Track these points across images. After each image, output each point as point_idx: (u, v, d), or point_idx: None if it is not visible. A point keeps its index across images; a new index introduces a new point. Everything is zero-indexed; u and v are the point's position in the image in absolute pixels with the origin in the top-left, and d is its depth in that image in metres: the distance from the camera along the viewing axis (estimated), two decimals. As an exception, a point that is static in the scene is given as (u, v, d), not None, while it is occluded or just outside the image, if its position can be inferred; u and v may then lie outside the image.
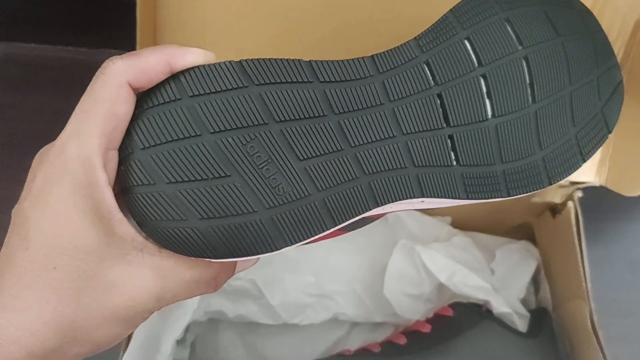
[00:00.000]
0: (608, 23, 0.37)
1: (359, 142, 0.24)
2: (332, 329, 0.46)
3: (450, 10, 0.26)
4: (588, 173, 0.40)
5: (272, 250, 0.23)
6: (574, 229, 0.40)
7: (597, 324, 0.37)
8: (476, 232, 0.49)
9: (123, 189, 0.23)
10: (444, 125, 0.25)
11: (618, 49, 0.38)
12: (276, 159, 0.23)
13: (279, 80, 0.23)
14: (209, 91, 0.23)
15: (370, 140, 0.24)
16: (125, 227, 0.22)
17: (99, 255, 0.21)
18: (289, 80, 0.23)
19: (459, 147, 0.25)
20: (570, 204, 0.41)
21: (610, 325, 0.38)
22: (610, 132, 0.28)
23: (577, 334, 0.39)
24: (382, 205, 0.25)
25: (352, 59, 0.25)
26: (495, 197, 0.26)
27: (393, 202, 0.25)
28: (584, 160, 0.27)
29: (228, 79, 0.23)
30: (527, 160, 0.26)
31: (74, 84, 0.54)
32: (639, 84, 0.38)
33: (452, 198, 0.26)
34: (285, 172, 0.23)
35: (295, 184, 0.23)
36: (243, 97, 0.23)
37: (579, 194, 0.41)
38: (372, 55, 0.25)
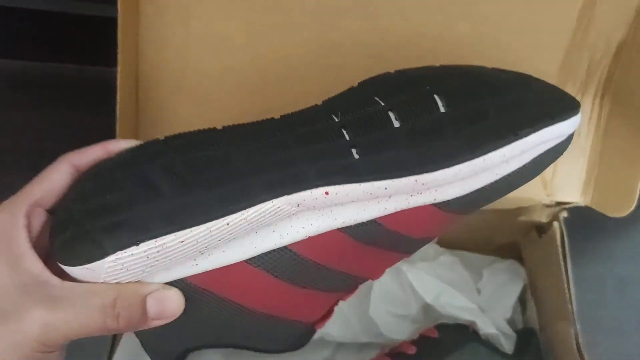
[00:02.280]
0: (592, 43, 0.38)
1: None
2: (317, 349, 0.46)
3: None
4: (574, 193, 0.40)
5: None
6: (560, 249, 0.40)
7: (583, 345, 0.37)
8: (463, 251, 0.48)
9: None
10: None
11: (602, 69, 0.38)
12: None
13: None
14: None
15: None
16: (33, 262, 0.23)
17: (6, 289, 0.22)
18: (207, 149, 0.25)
19: None
20: (555, 224, 0.40)
21: (598, 345, 0.37)
22: None
23: (563, 356, 0.39)
24: None
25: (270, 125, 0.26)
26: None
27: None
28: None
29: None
30: None
31: (57, 100, 0.54)
32: (623, 104, 0.38)
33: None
34: None
35: None
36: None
37: (565, 214, 0.40)
38: (283, 117, 0.26)
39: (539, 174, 0.29)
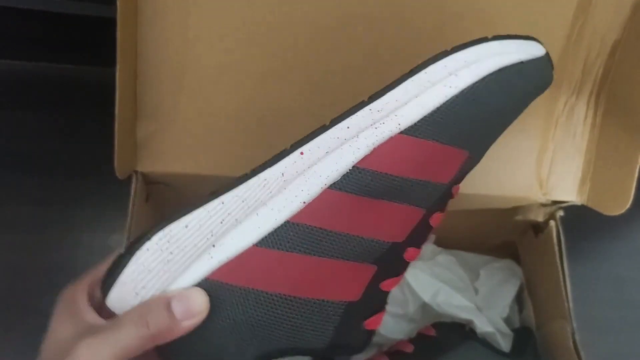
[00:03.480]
0: (587, 44, 0.38)
1: None
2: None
3: None
4: (570, 192, 0.40)
5: None
6: (556, 248, 0.40)
7: (579, 343, 0.37)
8: (460, 251, 0.49)
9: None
10: None
11: (597, 69, 0.39)
12: None
13: None
14: None
15: None
16: (89, 314, 0.26)
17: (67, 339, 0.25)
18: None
19: None
20: (552, 223, 0.41)
21: (595, 344, 0.37)
22: None
23: (559, 354, 0.39)
24: None
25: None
26: None
27: None
28: None
29: None
30: None
31: (57, 101, 0.54)
32: (619, 103, 0.38)
33: None
34: None
35: None
36: None
37: (561, 213, 0.41)
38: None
39: (517, 100, 0.29)
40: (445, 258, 0.47)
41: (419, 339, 0.41)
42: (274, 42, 0.37)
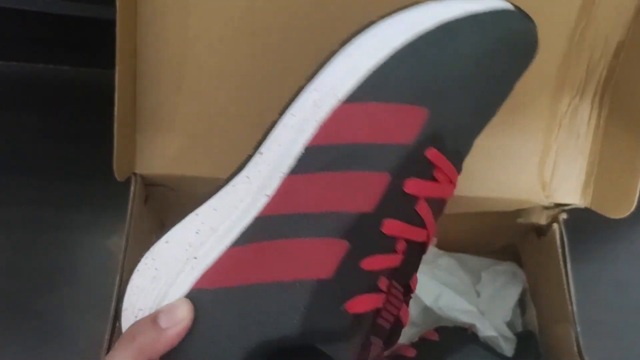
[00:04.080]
0: (590, 45, 0.38)
1: None
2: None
3: None
4: (573, 195, 0.40)
5: None
6: (560, 251, 0.39)
7: (583, 348, 0.37)
8: (462, 254, 0.48)
9: None
10: None
11: (601, 70, 0.38)
12: None
13: None
14: None
15: None
16: None
17: None
18: None
19: None
20: (555, 226, 0.40)
21: (598, 348, 0.37)
22: None
23: (563, 359, 0.38)
24: None
25: None
26: None
27: None
28: None
29: None
30: None
31: (56, 103, 0.54)
32: (623, 104, 0.38)
33: None
34: None
35: None
36: None
37: (564, 215, 0.40)
38: None
39: (478, 56, 0.27)
40: (447, 261, 0.46)
41: (421, 343, 0.41)
42: (274, 43, 0.37)
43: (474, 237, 0.47)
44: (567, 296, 0.38)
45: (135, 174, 0.38)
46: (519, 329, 0.45)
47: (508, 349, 0.41)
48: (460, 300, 0.43)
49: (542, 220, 0.42)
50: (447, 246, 0.48)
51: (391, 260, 0.26)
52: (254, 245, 0.26)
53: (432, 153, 0.26)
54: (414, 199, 0.26)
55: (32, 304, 0.46)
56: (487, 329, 0.41)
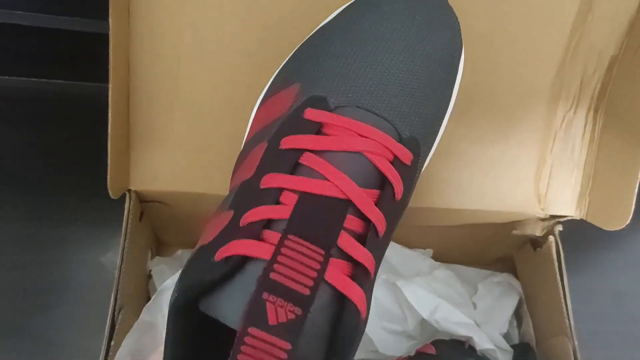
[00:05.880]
0: (584, 58, 0.38)
1: None
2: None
3: None
4: (568, 207, 0.40)
5: None
6: (555, 263, 0.39)
7: (580, 360, 0.37)
8: (458, 265, 0.48)
9: None
10: None
11: (595, 83, 0.38)
12: None
13: None
14: None
15: None
16: None
17: None
18: None
19: None
20: (550, 238, 0.40)
21: (594, 359, 0.37)
22: None
23: (561, 372, 0.38)
24: None
25: None
26: None
27: None
28: None
29: None
30: None
31: (47, 117, 0.54)
32: (617, 117, 0.38)
33: None
34: None
35: None
36: None
37: (560, 227, 0.40)
38: None
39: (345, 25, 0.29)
40: (443, 273, 0.46)
41: (418, 357, 0.40)
42: (268, 59, 0.36)
43: (470, 249, 0.47)
44: (564, 309, 0.38)
45: (129, 190, 0.38)
46: (516, 340, 0.45)
47: (505, 361, 0.41)
48: (457, 312, 0.42)
49: (538, 232, 0.42)
50: (444, 258, 0.48)
51: (273, 212, 0.24)
52: None
53: (310, 112, 0.26)
54: (294, 152, 0.25)
55: (26, 321, 0.45)
56: (484, 342, 0.41)
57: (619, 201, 0.37)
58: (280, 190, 0.24)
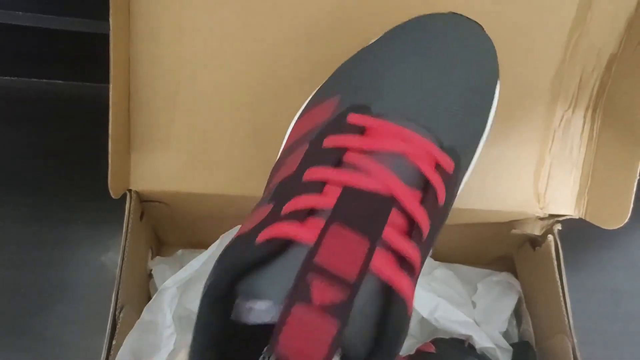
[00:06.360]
0: (583, 57, 0.38)
1: None
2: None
3: None
4: (567, 206, 0.40)
5: None
6: (555, 262, 0.39)
7: (580, 358, 0.37)
8: (458, 264, 0.48)
9: None
10: None
11: (594, 82, 0.39)
12: None
13: None
14: None
15: None
16: None
17: None
18: None
19: None
20: (550, 237, 0.40)
21: (593, 358, 0.37)
22: None
23: (560, 370, 0.38)
24: None
25: None
26: None
27: None
28: None
29: None
30: None
31: (47, 117, 0.54)
32: (616, 116, 0.38)
33: None
34: None
35: None
36: None
37: (558, 226, 0.40)
38: None
39: None
40: (443, 272, 0.46)
41: (418, 355, 0.41)
42: (269, 59, 0.37)
43: (469, 248, 0.47)
44: (563, 307, 0.38)
45: (130, 190, 0.38)
46: (515, 339, 0.45)
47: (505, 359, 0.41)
48: (457, 311, 0.42)
49: (537, 231, 0.42)
50: (443, 257, 0.48)
51: (317, 200, 0.23)
52: None
53: (353, 117, 0.27)
54: (338, 150, 0.25)
55: (27, 321, 0.45)
56: (483, 340, 0.41)
57: (618, 200, 0.37)
58: (324, 183, 0.24)
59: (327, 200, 0.23)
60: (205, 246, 0.43)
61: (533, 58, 0.38)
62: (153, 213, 0.42)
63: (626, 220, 0.37)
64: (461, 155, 0.28)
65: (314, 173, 0.24)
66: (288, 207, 0.23)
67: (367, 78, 0.29)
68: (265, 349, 0.20)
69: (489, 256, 0.49)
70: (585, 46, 0.37)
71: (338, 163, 0.25)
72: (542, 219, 0.41)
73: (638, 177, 0.36)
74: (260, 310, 0.21)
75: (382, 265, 0.22)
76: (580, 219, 0.40)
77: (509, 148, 0.39)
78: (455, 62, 0.29)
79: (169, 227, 0.46)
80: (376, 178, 0.24)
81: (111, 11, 0.32)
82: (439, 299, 0.43)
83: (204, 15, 0.36)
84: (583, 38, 0.37)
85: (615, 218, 0.37)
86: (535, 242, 0.43)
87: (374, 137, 0.26)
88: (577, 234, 0.41)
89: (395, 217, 0.24)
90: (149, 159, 0.38)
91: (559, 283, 0.39)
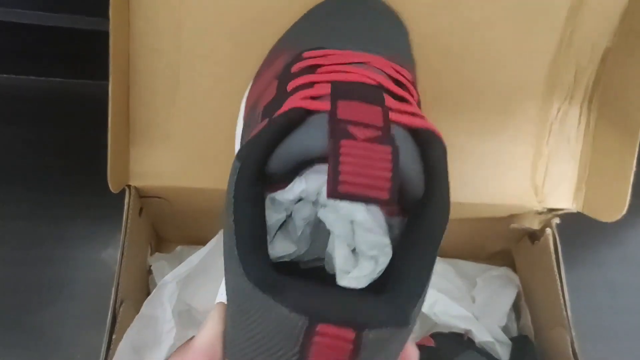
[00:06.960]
0: (578, 50, 0.38)
1: None
2: None
3: None
4: (565, 200, 0.40)
5: None
6: (553, 256, 0.40)
7: (578, 351, 0.37)
8: (457, 259, 0.48)
9: None
10: None
11: (589, 75, 0.39)
12: None
13: None
14: None
15: None
16: None
17: None
18: None
19: None
20: (548, 231, 0.41)
21: (591, 351, 0.37)
22: None
23: (559, 363, 0.39)
24: None
25: None
26: None
27: None
28: None
29: None
30: None
31: (46, 115, 0.54)
32: (611, 108, 0.39)
33: None
34: None
35: None
36: None
37: (557, 220, 0.41)
38: None
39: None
40: (442, 267, 0.47)
41: (418, 349, 0.41)
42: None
43: (468, 243, 0.47)
44: (562, 301, 0.38)
45: (129, 186, 0.38)
46: (514, 333, 0.46)
47: (504, 353, 0.42)
48: (456, 306, 0.43)
49: (535, 225, 0.42)
50: (442, 252, 0.47)
51: (310, 93, 0.24)
52: None
53: (309, 53, 0.28)
54: (310, 68, 0.27)
55: (28, 318, 0.45)
56: (483, 334, 0.41)
57: (615, 193, 0.37)
58: (312, 83, 0.25)
59: (321, 91, 0.24)
60: (204, 242, 0.43)
61: (529, 51, 0.38)
62: (152, 209, 0.42)
63: (623, 212, 0.37)
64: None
65: (298, 82, 0.25)
66: (285, 106, 0.23)
67: (308, 34, 0.31)
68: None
69: (487, 251, 0.49)
70: (580, 39, 0.38)
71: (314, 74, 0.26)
72: (540, 212, 0.41)
73: (634, 169, 0.36)
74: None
75: (399, 117, 0.23)
76: (578, 214, 0.40)
77: (506, 142, 0.40)
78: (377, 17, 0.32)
79: (168, 223, 0.46)
80: (358, 74, 0.25)
81: (111, 7, 0.32)
82: (439, 294, 0.43)
83: (203, 10, 0.36)
84: (577, 32, 0.37)
85: (613, 211, 0.37)
86: (533, 236, 0.43)
87: (336, 58, 0.27)
88: (575, 229, 0.41)
89: (389, 100, 0.24)
90: (148, 154, 0.38)
91: (557, 277, 0.39)
